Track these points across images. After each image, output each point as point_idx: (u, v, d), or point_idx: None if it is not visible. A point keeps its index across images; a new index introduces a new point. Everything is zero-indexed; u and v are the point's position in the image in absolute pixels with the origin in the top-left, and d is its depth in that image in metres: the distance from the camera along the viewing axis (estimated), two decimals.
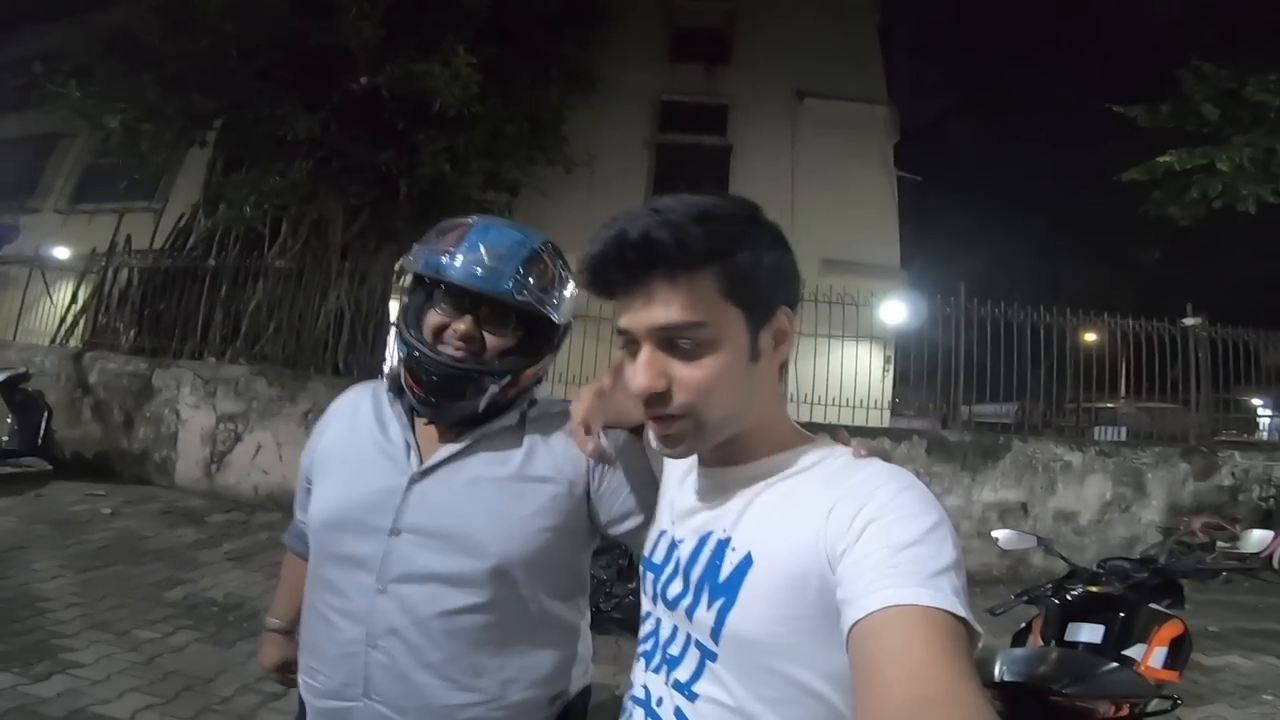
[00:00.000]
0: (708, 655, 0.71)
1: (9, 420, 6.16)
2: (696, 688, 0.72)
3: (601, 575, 3.59)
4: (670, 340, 0.69)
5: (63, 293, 8.69)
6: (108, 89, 7.13)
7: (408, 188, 8.14)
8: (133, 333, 7.78)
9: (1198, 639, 4.06)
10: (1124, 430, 8.13)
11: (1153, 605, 2.10)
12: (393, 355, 1.04)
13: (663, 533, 0.85)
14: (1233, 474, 6.22)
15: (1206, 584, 5.61)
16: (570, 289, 1.04)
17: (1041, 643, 2.09)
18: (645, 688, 0.79)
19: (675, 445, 0.73)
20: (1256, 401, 9.56)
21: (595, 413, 0.95)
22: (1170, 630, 2.05)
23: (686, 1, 12.47)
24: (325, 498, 1.05)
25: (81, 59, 7.37)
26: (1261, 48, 7.36)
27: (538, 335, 1.03)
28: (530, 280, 0.97)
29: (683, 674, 0.74)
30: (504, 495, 0.98)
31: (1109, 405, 9.57)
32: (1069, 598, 2.12)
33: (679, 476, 0.87)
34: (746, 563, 0.70)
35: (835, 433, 0.82)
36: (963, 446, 5.89)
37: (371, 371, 7.61)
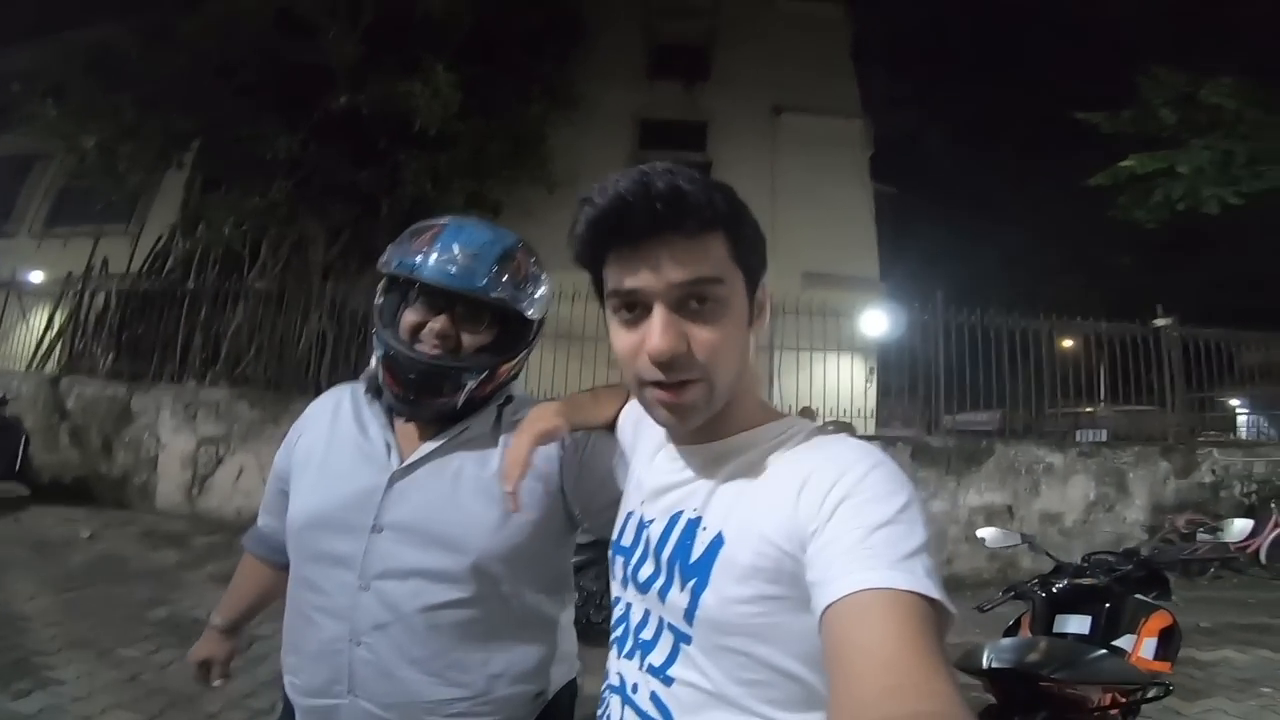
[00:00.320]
0: (681, 638, 0.70)
1: None
2: (672, 672, 0.71)
3: (591, 587, 3.55)
4: (685, 300, 0.68)
5: (39, 317, 8.56)
6: (85, 108, 7.08)
7: (389, 207, 8.12)
8: (110, 357, 7.67)
9: (1191, 635, 4.11)
10: (1104, 433, 8.25)
11: (1138, 596, 2.13)
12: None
13: (631, 513, 0.84)
14: (1213, 471, 6.33)
15: (1194, 580, 5.70)
16: (544, 286, 1.06)
17: (1031, 636, 2.10)
18: (620, 675, 0.78)
19: (688, 415, 0.71)
20: (1234, 401, 9.74)
21: (526, 461, 0.91)
22: (1159, 621, 2.07)
23: (665, 19, 12.63)
24: (305, 498, 1.05)
25: (58, 77, 7.32)
26: (1215, 51, 7.59)
27: (512, 332, 1.05)
28: (504, 278, 0.98)
29: (656, 658, 0.73)
30: (483, 491, 0.99)
31: (1089, 410, 9.71)
32: (1055, 591, 2.15)
33: (648, 455, 0.86)
34: (718, 542, 0.69)
35: (804, 411, 0.83)
36: (946, 451, 5.95)
37: None
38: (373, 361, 1.05)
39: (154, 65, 7.09)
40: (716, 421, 0.74)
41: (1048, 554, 2.46)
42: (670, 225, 0.67)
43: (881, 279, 11.16)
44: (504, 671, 0.99)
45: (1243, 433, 9.14)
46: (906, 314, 6.85)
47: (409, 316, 0.99)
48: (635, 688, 0.74)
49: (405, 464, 1.01)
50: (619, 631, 0.80)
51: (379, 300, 1.06)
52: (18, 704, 2.61)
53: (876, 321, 7.52)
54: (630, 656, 0.77)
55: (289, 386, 6.99)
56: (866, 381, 8.11)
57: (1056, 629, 2.07)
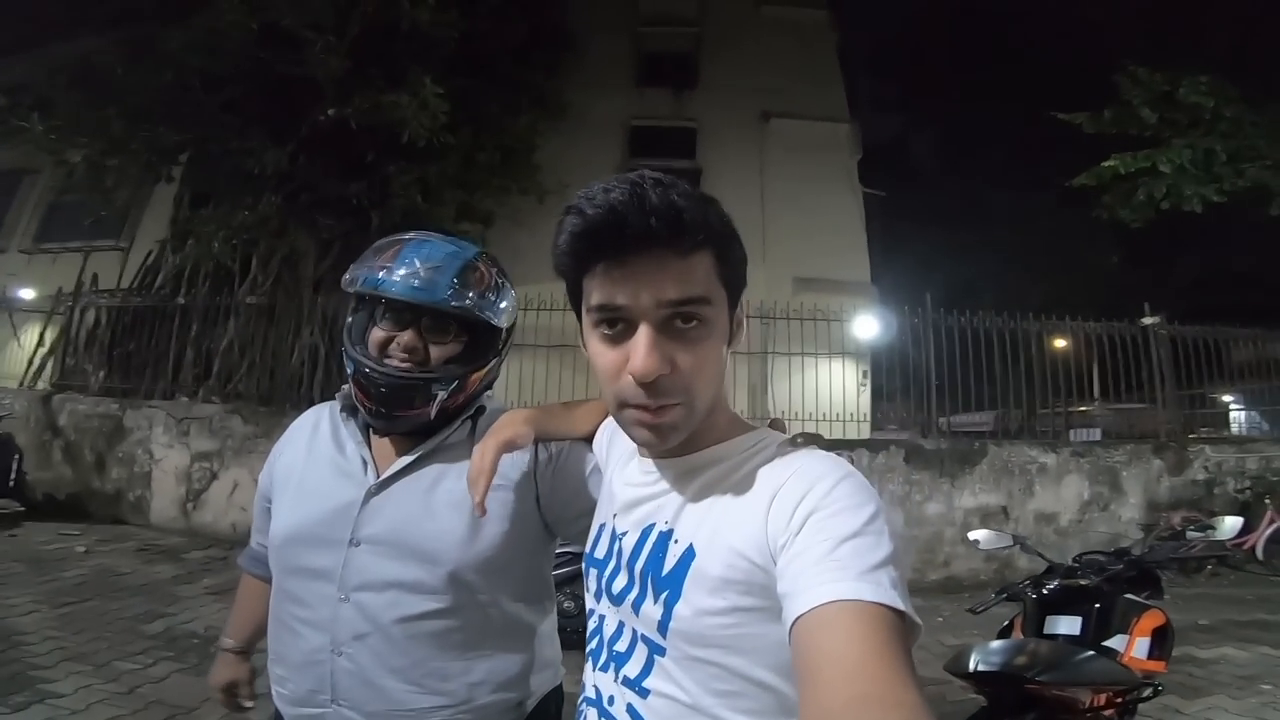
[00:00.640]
0: (655, 650, 0.70)
1: None
2: (647, 683, 0.71)
3: (571, 605, 3.49)
4: (670, 320, 0.67)
5: (30, 334, 8.51)
6: (71, 122, 7.06)
7: (380, 220, 8.10)
8: (102, 374, 7.63)
9: (1190, 633, 4.13)
10: (1098, 432, 8.29)
11: (1129, 596, 2.14)
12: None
13: (604, 525, 0.84)
14: (1206, 468, 6.37)
15: (1192, 577, 5.72)
16: (509, 294, 1.08)
17: (1023, 637, 2.12)
18: (596, 688, 0.78)
19: (667, 436, 0.70)
20: (1227, 397, 9.79)
21: (491, 469, 0.90)
22: (1151, 620, 2.08)
23: (652, 28, 12.71)
24: (286, 514, 1.07)
25: (44, 91, 7.29)
26: (1190, 50, 7.66)
27: (480, 341, 1.07)
28: (466, 288, 1.00)
29: (631, 670, 0.73)
30: (458, 504, 1.00)
31: (1082, 408, 9.76)
32: (1045, 592, 2.16)
33: (619, 466, 0.87)
34: (689, 555, 0.69)
35: (773, 422, 0.84)
36: (940, 454, 5.97)
37: None
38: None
39: (140, 79, 7.07)
40: (689, 436, 0.74)
41: (1040, 554, 2.47)
42: (663, 242, 0.65)
43: (872, 282, 11.23)
44: (484, 680, 1.00)
45: (1236, 429, 9.18)
46: (897, 317, 6.88)
47: (377, 333, 1.02)
48: (611, 700, 0.75)
49: (381, 479, 1.03)
50: (593, 644, 0.81)
51: (348, 319, 1.08)
52: (17, 716, 2.63)
53: (868, 325, 7.55)
54: (605, 669, 0.77)
55: (281, 401, 6.97)
56: (860, 385, 8.13)
57: (1047, 630, 2.07)
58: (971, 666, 1.74)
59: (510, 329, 1.12)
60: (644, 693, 0.71)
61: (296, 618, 1.02)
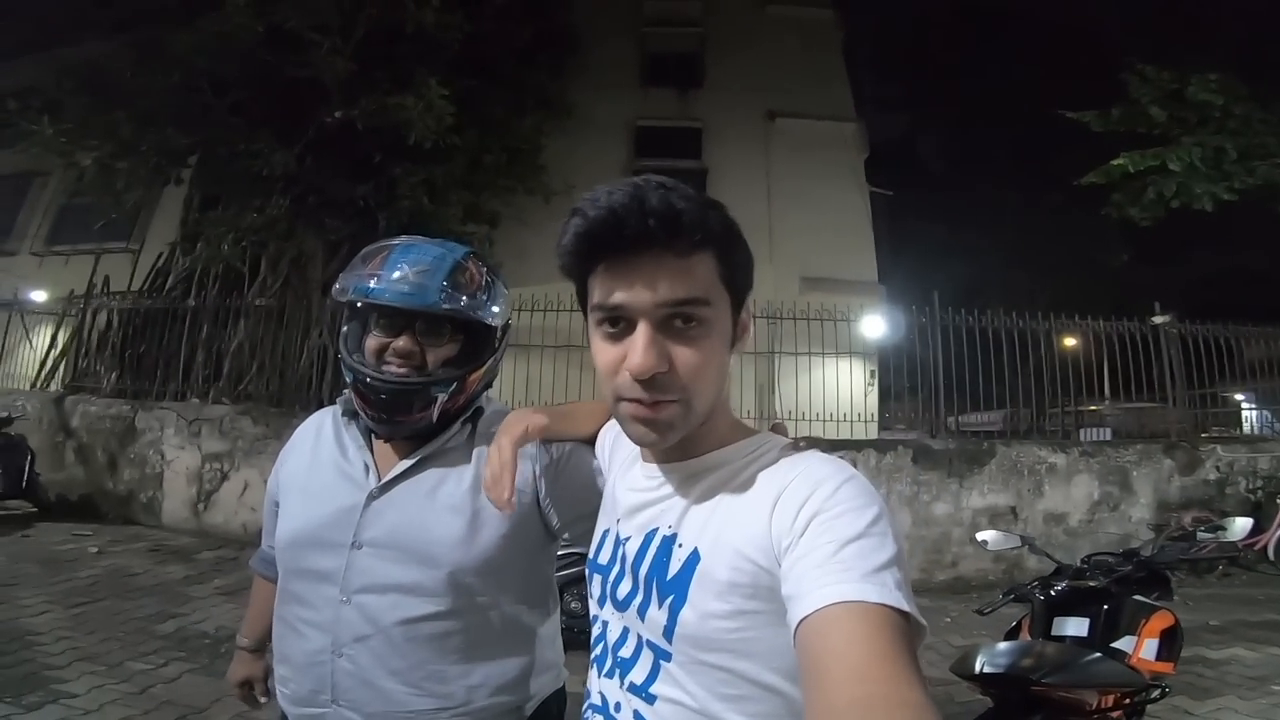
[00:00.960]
0: (661, 655, 0.71)
1: None
2: (654, 689, 0.71)
3: (578, 605, 3.53)
4: (669, 320, 0.68)
5: (42, 336, 8.59)
6: (81, 125, 7.11)
7: (387, 221, 8.13)
8: (114, 375, 7.70)
9: (1201, 633, 4.10)
10: (1109, 431, 8.23)
11: (1138, 597, 2.13)
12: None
13: (607, 531, 0.84)
14: (1217, 468, 6.31)
15: (1204, 577, 5.68)
16: (501, 292, 1.09)
17: (1030, 638, 2.11)
18: (602, 695, 0.78)
19: (664, 433, 0.71)
20: (1239, 396, 9.70)
21: (513, 461, 0.90)
22: (1160, 622, 2.07)
23: (657, 28, 12.71)
24: (291, 517, 1.09)
25: (53, 94, 7.34)
26: (1198, 47, 7.60)
27: (476, 341, 1.07)
28: (457, 290, 1.01)
29: (637, 676, 0.73)
30: (457, 506, 1.02)
31: (1093, 408, 9.69)
32: (1053, 593, 2.15)
33: (622, 471, 0.87)
34: (694, 559, 0.70)
35: (774, 426, 0.84)
36: (948, 454, 5.94)
37: None
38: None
39: (148, 82, 7.11)
40: (690, 440, 0.75)
41: (1048, 555, 2.47)
42: (661, 242, 0.66)
43: (880, 281, 11.19)
44: (483, 682, 1.01)
45: (1248, 428, 9.10)
46: (905, 316, 6.86)
47: (371, 341, 1.03)
48: (618, 707, 0.75)
49: (382, 482, 1.04)
50: (598, 650, 0.81)
51: (343, 329, 1.09)
52: (31, 716, 2.66)
53: (875, 324, 7.53)
54: (610, 675, 0.77)
55: (290, 402, 7.02)
56: (867, 385, 8.11)
57: (1055, 631, 2.07)
58: (977, 668, 1.74)
59: (505, 327, 1.13)
60: (651, 699, 0.71)
61: (300, 619, 1.04)
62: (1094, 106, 8.05)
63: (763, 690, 0.66)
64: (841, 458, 0.72)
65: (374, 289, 0.99)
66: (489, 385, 1.14)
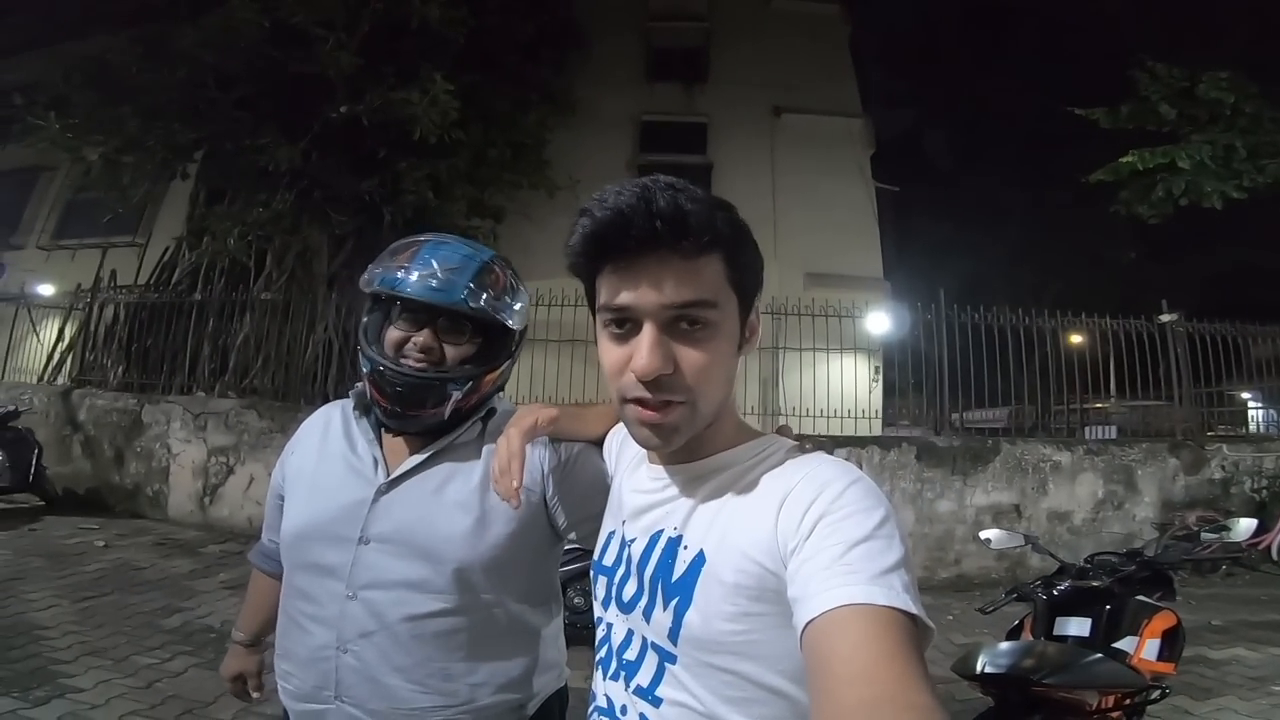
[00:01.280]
0: (666, 658, 0.71)
1: (0, 457, 6.14)
2: (659, 692, 0.71)
3: (581, 601, 3.55)
4: (676, 321, 0.68)
5: (49, 330, 8.65)
6: (87, 120, 7.14)
7: (392, 216, 8.16)
8: (120, 369, 7.75)
9: (1203, 633, 4.09)
10: (1114, 429, 8.20)
11: (1141, 597, 2.12)
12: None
13: (612, 533, 0.85)
14: (1222, 467, 6.28)
15: (1207, 577, 5.66)
16: (523, 297, 1.10)
17: (1032, 638, 2.11)
18: (607, 697, 0.78)
19: (670, 436, 0.71)
20: (1245, 395, 9.65)
21: (521, 453, 0.91)
22: (1162, 622, 2.06)
23: (662, 22, 12.66)
24: (297, 511, 1.09)
25: (59, 90, 7.37)
26: (1208, 44, 7.57)
27: (494, 343, 1.08)
28: (483, 290, 1.02)
29: (643, 679, 0.73)
30: (465, 504, 1.02)
31: (1099, 405, 9.66)
32: (1055, 593, 2.15)
33: (628, 472, 0.87)
34: (699, 561, 0.69)
35: (781, 429, 0.84)
36: (952, 451, 5.93)
37: None
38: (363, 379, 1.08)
39: (154, 77, 7.13)
40: (696, 442, 0.75)
41: (1051, 554, 2.46)
42: (668, 244, 0.66)
43: (885, 277, 11.15)
44: (487, 681, 1.01)
45: (1254, 427, 9.06)
46: (911, 312, 6.84)
47: (393, 333, 1.03)
48: (624, 710, 0.75)
49: (391, 477, 1.04)
50: (602, 652, 0.81)
51: (364, 319, 1.10)
52: (37, 711, 2.67)
53: (881, 321, 7.51)
54: (615, 678, 0.77)
55: (296, 396, 7.06)
56: (872, 381, 8.09)
57: (1057, 631, 2.07)
58: (979, 668, 1.74)
59: (523, 331, 1.13)
60: (656, 701, 0.71)
61: (304, 614, 1.04)
62: (1103, 104, 8.00)
63: (768, 693, 0.66)
64: (845, 454, 0.72)
65: (401, 281, 0.99)
66: (501, 388, 1.15)
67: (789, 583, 0.62)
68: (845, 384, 6.67)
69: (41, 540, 5.36)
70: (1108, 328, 6.72)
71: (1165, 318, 6.73)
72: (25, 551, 4.96)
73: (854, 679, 0.52)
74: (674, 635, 0.69)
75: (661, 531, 0.76)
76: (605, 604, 0.82)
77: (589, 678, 0.84)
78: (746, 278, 0.72)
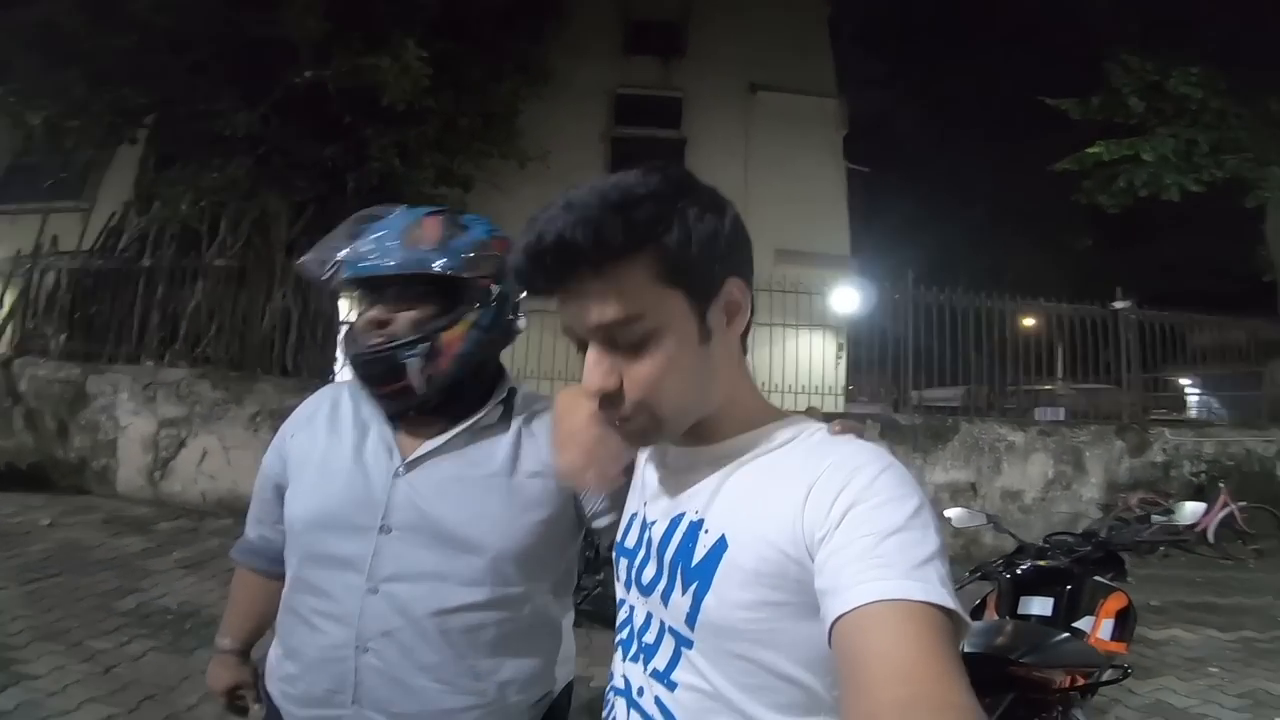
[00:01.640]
0: (683, 643, 0.70)
1: None
2: (675, 676, 0.70)
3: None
4: (612, 337, 0.66)
5: None
6: (30, 85, 6.73)
7: (355, 183, 7.89)
8: (63, 337, 7.38)
9: (1142, 613, 4.25)
10: (1063, 411, 8.50)
11: (1097, 578, 2.21)
12: (344, 354, 1.03)
13: (634, 515, 0.83)
14: (1164, 450, 6.58)
15: (1145, 558, 5.91)
16: (471, 241, 0.99)
17: (997, 617, 2.18)
18: (625, 678, 0.77)
19: (637, 442, 0.72)
20: (1184, 381, 10.10)
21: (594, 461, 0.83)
22: (1115, 602, 2.15)
23: None
24: (307, 498, 1.02)
25: (2, 54, 6.92)
26: (1184, 39, 7.76)
27: (451, 295, 0.98)
28: (416, 247, 0.95)
29: (660, 662, 0.72)
30: (495, 490, 0.97)
31: (1048, 387, 10.00)
32: (1019, 572, 2.22)
33: (651, 454, 0.86)
34: (721, 546, 0.68)
35: (809, 411, 0.82)
36: (914, 429, 6.08)
37: (322, 371, 7.40)
38: (341, 354, 1.04)
39: (103, 41, 6.71)
40: (713, 424, 0.74)
41: (1010, 534, 2.54)
42: (567, 276, 0.65)
43: (852, 256, 11.31)
44: (514, 678, 0.98)
45: (1193, 413, 9.50)
46: (876, 291, 6.93)
47: (357, 317, 1.00)
48: (641, 691, 0.74)
49: (409, 460, 0.99)
50: (623, 634, 0.80)
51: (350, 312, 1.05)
52: None
53: (847, 298, 7.61)
54: (635, 660, 0.76)
55: (252, 366, 6.84)
56: (837, 357, 8.22)
57: (1021, 610, 2.14)
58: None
59: (493, 278, 1.00)
60: (672, 685, 0.71)
61: (315, 610, 0.97)
62: (1074, 93, 8.17)
63: (785, 682, 0.65)
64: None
65: (338, 265, 0.96)
66: (499, 346, 1.07)
67: (817, 573, 0.60)
68: (812, 361, 6.75)
69: None
70: (1064, 312, 6.93)
71: (1118, 304, 6.96)
72: None
73: (889, 678, 0.51)
74: (691, 620, 0.68)
75: (683, 514, 0.74)
76: (626, 586, 0.80)
77: (590, 664, 0.82)
78: (686, 266, 0.66)
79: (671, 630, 0.71)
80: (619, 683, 0.79)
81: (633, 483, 0.88)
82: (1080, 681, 1.85)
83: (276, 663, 1.04)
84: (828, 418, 0.77)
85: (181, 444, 6.24)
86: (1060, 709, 1.84)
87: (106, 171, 9.93)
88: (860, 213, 12.51)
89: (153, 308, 7.17)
